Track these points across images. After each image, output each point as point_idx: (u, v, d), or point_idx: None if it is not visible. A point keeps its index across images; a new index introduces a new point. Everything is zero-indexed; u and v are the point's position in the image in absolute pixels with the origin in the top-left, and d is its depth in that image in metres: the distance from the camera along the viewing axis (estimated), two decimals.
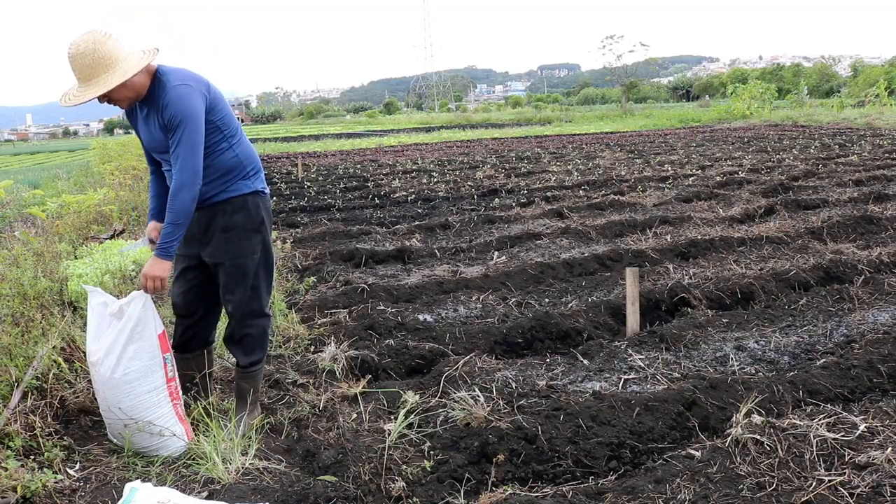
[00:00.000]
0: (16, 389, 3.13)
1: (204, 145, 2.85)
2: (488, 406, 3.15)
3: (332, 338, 4.14)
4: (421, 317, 4.63)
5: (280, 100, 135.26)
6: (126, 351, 2.81)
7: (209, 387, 3.33)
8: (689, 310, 4.61)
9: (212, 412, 3.06)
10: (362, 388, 3.51)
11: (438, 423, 3.09)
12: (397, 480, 2.69)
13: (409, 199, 10.18)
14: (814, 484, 2.46)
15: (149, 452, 2.93)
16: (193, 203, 2.81)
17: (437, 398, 3.33)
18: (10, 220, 8.56)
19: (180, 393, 3.02)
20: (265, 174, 16.74)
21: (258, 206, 3.06)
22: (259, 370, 3.24)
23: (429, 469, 2.77)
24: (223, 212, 2.99)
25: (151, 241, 3.09)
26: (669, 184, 10.42)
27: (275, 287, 5.07)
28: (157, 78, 2.83)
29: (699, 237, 6.47)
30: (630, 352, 3.84)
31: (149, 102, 2.87)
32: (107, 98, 2.76)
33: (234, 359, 3.33)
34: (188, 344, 3.24)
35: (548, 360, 3.82)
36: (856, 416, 2.92)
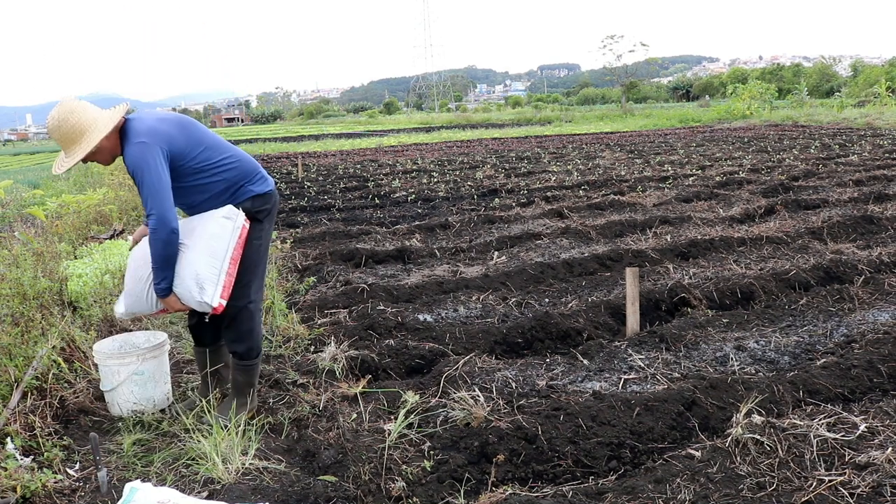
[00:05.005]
0: (16, 389, 3.13)
1: (192, 184, 3.03)
2: (488, 406, 3.15)
3: (332, 338, 4.14)
4: (421, 317, 4.63)
5: (280, 100, 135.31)
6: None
7: (212, 383, 3.34)
8: (689, 310, 4.61)
9: (212, 412, 3.05)
10: (362, 388, 3.51)
11: (438, 423, 3.09)
12: (397, 480, 2.69)
13: (409, 199, 10.18)
14: (814, 484, 2.46)
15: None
16: (168, 247, 2.90)
17: (437, 398, 3.34)
18: (10, 220, 8.56)
19: (232, 279, 3.06)
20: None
21: (250, 208, 3.18)
22: (255, 365, 3.26)
23: (429, 469, 2.77)
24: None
25: (135, 242, 3.28)
26: (669, 184, 10.43)
27: (274, 287, 5.07)
28: (123, 133, 2.98)
29: (699, 237, 6.47)
30: (630, 352, 3.84)
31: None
32: (89, 160, 2.96)
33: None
34: (201, 338, 3.35)
35: (548, 360, 3.82)
36: (856, 416, 2.92)
